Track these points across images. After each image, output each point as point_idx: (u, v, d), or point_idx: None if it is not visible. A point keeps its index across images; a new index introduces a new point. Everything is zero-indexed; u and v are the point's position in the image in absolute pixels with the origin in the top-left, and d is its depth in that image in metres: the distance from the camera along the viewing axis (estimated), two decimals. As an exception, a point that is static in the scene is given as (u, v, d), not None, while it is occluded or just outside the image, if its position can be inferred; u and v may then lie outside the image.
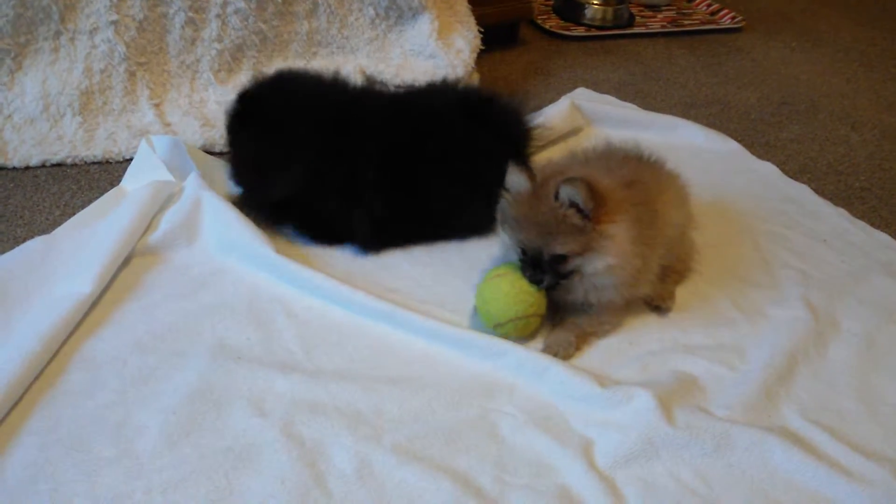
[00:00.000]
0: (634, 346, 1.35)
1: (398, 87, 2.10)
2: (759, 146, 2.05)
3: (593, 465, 1.13)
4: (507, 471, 1.13)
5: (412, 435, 1.17)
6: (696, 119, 2.13)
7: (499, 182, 1.33)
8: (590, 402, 1.22)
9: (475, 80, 2.21)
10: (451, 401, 1.23)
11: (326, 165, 1.50)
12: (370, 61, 2.16)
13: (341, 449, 1.14)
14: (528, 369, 1.27)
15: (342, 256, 1.53)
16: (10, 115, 1.85)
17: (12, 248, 1.46)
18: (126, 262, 1.44)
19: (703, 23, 2.90)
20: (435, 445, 1.16)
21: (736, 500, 1.10)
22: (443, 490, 1.08)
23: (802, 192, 1.84)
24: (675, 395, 1.23)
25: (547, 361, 1.26)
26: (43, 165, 1.78)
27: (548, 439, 1.17)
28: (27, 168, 1.76)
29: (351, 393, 1.23)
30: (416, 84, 1.77)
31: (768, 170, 1.92)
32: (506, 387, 1.26)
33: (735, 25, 2.89)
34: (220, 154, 1.82)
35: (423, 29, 2.18)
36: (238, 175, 1.59)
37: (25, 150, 1.79)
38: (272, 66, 2.06)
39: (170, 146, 1.66)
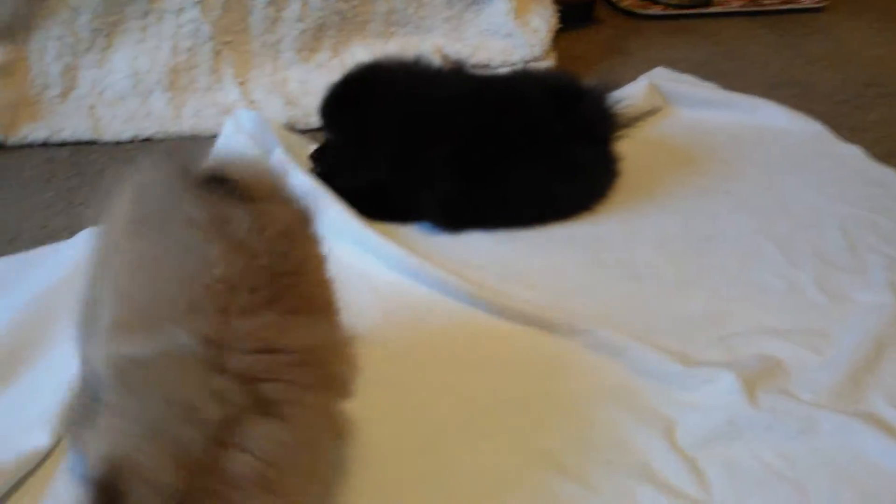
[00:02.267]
0: (717, 326, 1.33)
1: (474, 66, 2.12)
2: (844, 129, 2.00)
3: (675, 444, 1.14)
4: (589, 448, 1.14)
5: (496, 413, 1.19)
6: (778, 100, 2.08)
7: (585, 167, 1.32)
8: (671, 382, 1.22)
9: (552, 59, 2.20)
10: (533, 378, 1.25)
11: (408, 150, 1.53)
12: (446, 41, 2.17)
13: (426, 424, 1.17)
14: (609, 348, 1.27)
15: (421, 233, 1.55)
16: (101, 92, 1.92)
17: (109, 219, 1.52)
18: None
19: (783, 2, 2.83)
20: (518, 423, 1.17)
21: (821, 484, 1.09)
22: (528, 465, 1.10)
23: (889, 177, 1.79)
24: (759, 378, 1.22)
25: (628, 341, 1.27)
26: (133, 140, 1.84)
27: (629, 418, 1.18)
28: (118, 143, 1.83)
29: (433, 370, 1.26)
30: (498, 67, 1.78)
31: (853, 153, 1.88)
32: (588, 366, 1.27)
33: (817, 5, 2.81)
34: (302, 132, 1.86)
35: (499, 8, 2.17)
36: (324, 158, 1.63)
37: (117, 126, 1.86)
38: (350, 46, 2.09)
39: (255, 122, 1.70)
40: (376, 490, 1.05)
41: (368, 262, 1.46)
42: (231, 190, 0.85)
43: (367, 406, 1.16)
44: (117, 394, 0.76)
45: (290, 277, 0.83)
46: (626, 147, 1.64)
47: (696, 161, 1.82)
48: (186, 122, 1.89)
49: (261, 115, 1.71)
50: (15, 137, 1.84)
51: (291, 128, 1.87)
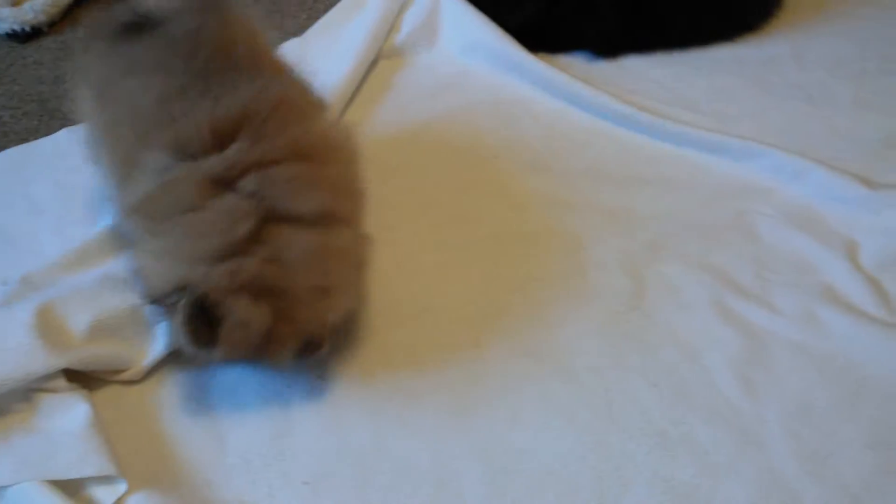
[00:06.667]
0: (904, 145, 1.28)
1: None
2: None
3: (858, 266, 1.12)
4: (768, 268, 1.13)
5: (666, 232, 1.19)
6: None
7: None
8: (855, 205, 1.18)
9: None
10: (704, 200, 1.23)
11: None
12: None
13: (598, 242, 1.18)
14: (786, 171, 1.24)
15: (578, 61, 1.51)
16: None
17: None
18: (374, 63, 1.48)
19: None
20: (690, 243, 1.17)
21: None
22: (703, 283, 1.11)
23: None
24: (947, 200, 1.17)
25: (808, 163, 1.23)
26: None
27: (809, 240, 1.16)
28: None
29: (600, 191, 1.25)
30: None
31: None
32: (762, 188, 1.24)
33: None
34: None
35: None
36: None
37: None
38: None
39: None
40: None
41: (527, 90, 1.43)
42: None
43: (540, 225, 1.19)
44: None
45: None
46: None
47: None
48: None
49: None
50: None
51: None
